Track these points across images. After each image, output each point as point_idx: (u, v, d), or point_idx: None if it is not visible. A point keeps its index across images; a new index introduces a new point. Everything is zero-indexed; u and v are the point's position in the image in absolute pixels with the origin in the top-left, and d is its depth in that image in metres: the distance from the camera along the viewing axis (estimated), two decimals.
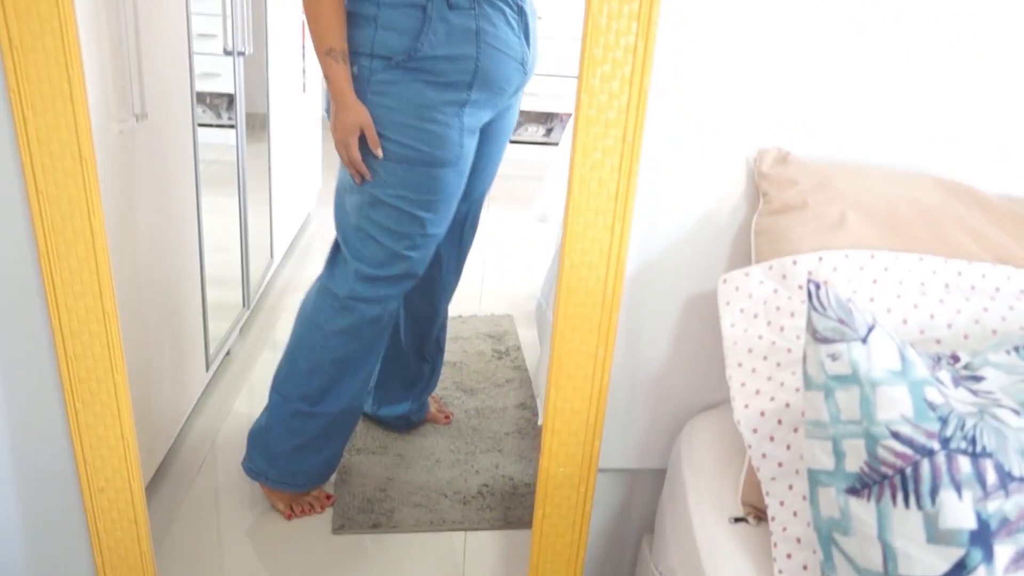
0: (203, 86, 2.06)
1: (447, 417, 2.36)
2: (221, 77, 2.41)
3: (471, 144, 1.66)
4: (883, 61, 1.28)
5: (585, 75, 1.16)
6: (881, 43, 1.26)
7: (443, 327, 2.19)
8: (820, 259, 1.19)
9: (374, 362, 1.88)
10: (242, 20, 2.30)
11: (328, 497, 1.99)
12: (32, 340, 1.32)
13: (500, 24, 1.56)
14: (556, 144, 3.95)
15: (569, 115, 4.40)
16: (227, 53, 2.35)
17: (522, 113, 4.63)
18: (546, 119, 4.65)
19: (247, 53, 2.40)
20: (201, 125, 2.09)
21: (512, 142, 4.60)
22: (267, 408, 1.92)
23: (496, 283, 3.28)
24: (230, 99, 2.56)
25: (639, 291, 1.37)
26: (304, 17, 1.57)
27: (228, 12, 2.27)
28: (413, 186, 1.62)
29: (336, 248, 1.80)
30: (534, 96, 4.43)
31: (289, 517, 1.93)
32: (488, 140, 1.79)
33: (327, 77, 1.54)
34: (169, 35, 1.79)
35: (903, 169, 1.33)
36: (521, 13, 1.61)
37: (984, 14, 1.26)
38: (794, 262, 1.20)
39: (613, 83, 1.17)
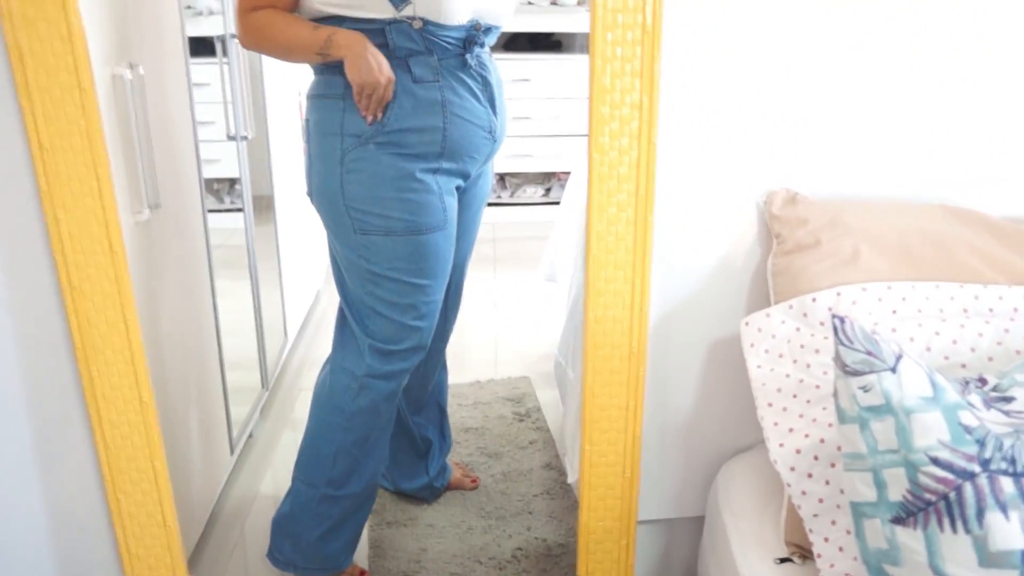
0: (205, 172, 2.10)
1: (473, 481, 2.35)
2: (221, 162, 2.45)
3: (453, 205, 1.67)
4: (882, 98, 1.32)
5: (594, 134, 1.20)
6: (879, 81, 1.31)
7: (441, 390, 2.18)
8: (838, 294, 1.21)
9: (388, 436, 1.88)
10: (243, 105, 2.35)
11: (363, 573, 1.98)
12: (71, 434, 1.34)
13: (465, 95, 1.58)
14: (556, 203, 4.00)
15: (567, 174, 4.46)
16: (230, 138, 2.40)
17: (520, 175, 4.69)
18: (544, 179, 4.71)
19: (249, 138, 2.45)
20: (208, 211, 2.12)
21: (512, 204, 4.66)
22: (290, 495, 1.91)
23: (510, 346, 3.29)
24: (231, 183, 2.60)
25: (662, 340, 1.39)
26: (279, 54, 1.57)
27: (230, 98, 2.32)
28: (406, 256, 1.63)
29: (342, 326, 1.80)
30: (530, 157, 4.49)
31: None
32: (464, 207, 1.80)
33: (330, 35, 1.49)
34: (173, 125, 1.83)
35: (911, 200, 1.36)
36: (486, 83, 1.63)
37: (978, 45, 1.31)
38: (813, 299, 1.22)
39: (622, 139, 1.20)
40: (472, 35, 1.56)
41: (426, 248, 1.64)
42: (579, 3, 4.35)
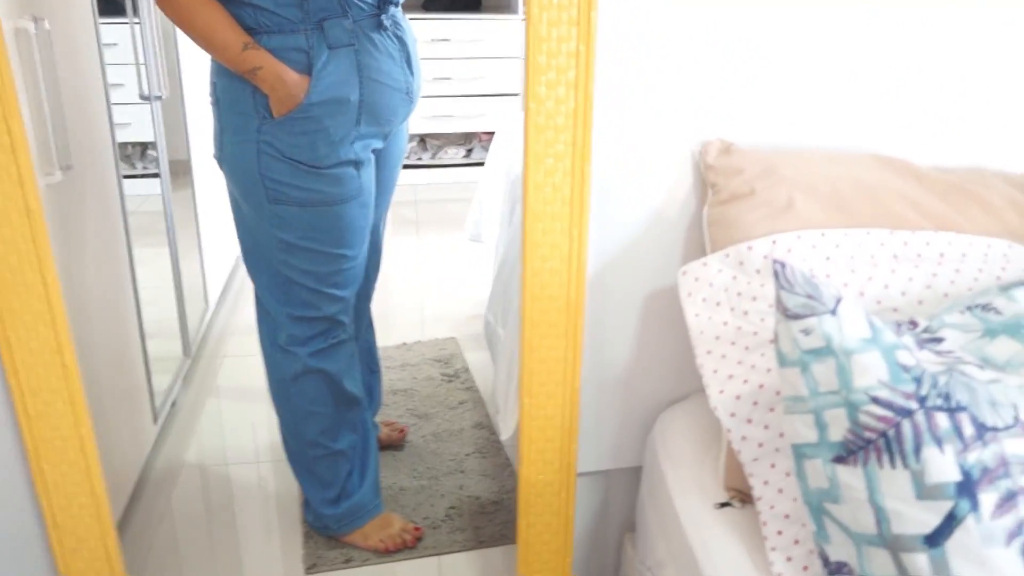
0: (117, 136, 2.02)
1: (401, 432, 2.34)
2: (133, 126, 2.37)
3: (368, 175, 1.64)
4: (815, 49, 1.33)
5: (531, 83, 1.18)
6: (812, 32, 1.32)
7: (369, 350, 2.17)
8: (774, 242, 1.23)
9: (352, 387, 1.86)
10: (156, 64, 2.27)
11: (416, 529, 1.97)
12: None
13: (381, 57, 1.55)
14: (478, 165, 3.98)
15: (488, 134, 4.44)
16: (143, 99, 2.31)
17: (441, 136, 4.64)
18: (465, 140, 4.68)
19: (164, 97, 2.36)
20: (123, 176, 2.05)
21: (434, 166, 4.61)
22: (297, 476, 1.94)
23: (436, 307, 3.27)
24: (143, 148, 2.52)
25: (599, 292, 1.39)
26: (197, 42, 1.51)
27: (142, 60, 2.23)
28: (320, 227, 1.61)
29: (259, 305, 1.78)
30: (452, 118, 4.45)
31: (386, 550, 1.93)
32: (380, 167, 1.77)
33: (256, 68, 1.47)
34: (83, 84, 1.75)
35: (843, 150, 1.38)
36: (402, 43, 1.60)
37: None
38: (749, 248, 1.24)
39: (559, 89, 1.19)
40: None
41: (341, 219, 1.61)
42: None
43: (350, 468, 1.90)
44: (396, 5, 1.59)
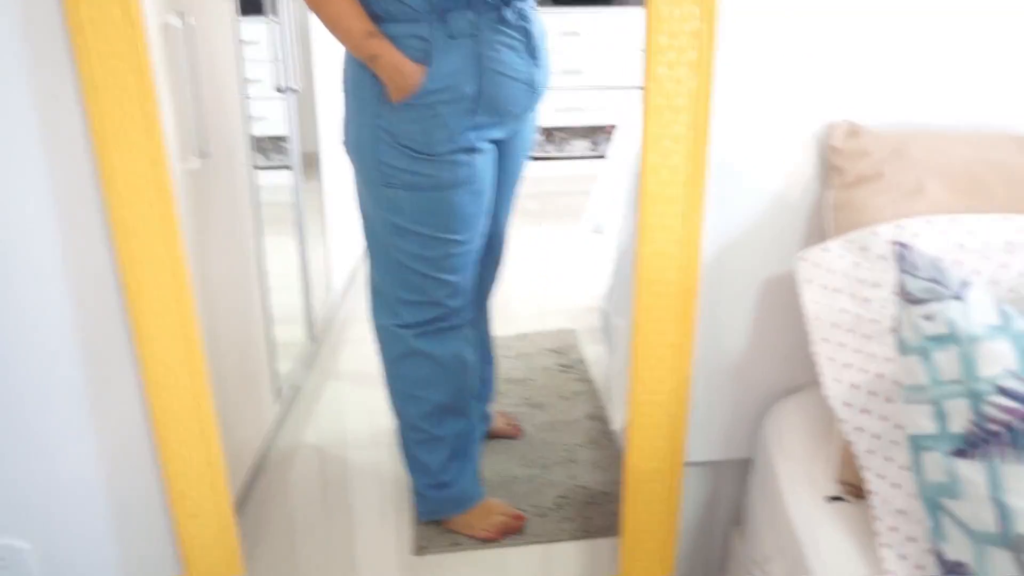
0: (252, 130, 2.11)
1: (515, 428, 2.35)
2: (267, 120, 2.47)
3: (485, 163, 1.65)
4: (945, 23, 1.27)
5: (651, 64, 1.17)
6: (942, 6, 1.26)
7: (483, 341, 2.17)
8: (900, 227, 1.18)
9: (461, 374, 1.88)
10: (292, 58, 2.36)
11: (518, 515, 2.00)
12: (119, 373, 1.35)
13: (503, 49, 1.57)
14: (602, 157, 3.96)
15: (614, 127, 4.41)
16: (279, 91, 2.40)
17: (567, 129, 4.65)
18: (591, 133, 4.67)
19: (298, 90, 2.45)
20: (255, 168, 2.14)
21: (559, 158, 4.62)
22: (402, 452, 1.98)
23: (555, 299, 3.28)
24: (276, 141, 2.62)
25: (715, 278, 1.36)
26: (326, 25, 1.56)
27: (278, 56, 2.33)
28: (429, 211, 1.63)
29: (372, 286, 1.82)
30: (578, 111, 4.45)
31: (489, 538, 1.95)
32: (505, 156, 1.78)
33: (375, 56, 1.52)
34: (222, 79, 1.84)
35: (977, 129, 1.31)
36: (527, 35, 1.61)
37: None
38: (874, 233, 1.19)
39: (679, 70, 1.17)
40: None
41: (450, 205, 1.63)
42: None
43: (450, 455, 1.92)
44: (522, 0, 1.60)
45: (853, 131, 1.27)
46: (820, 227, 1.33)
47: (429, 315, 1.77)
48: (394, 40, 1.52)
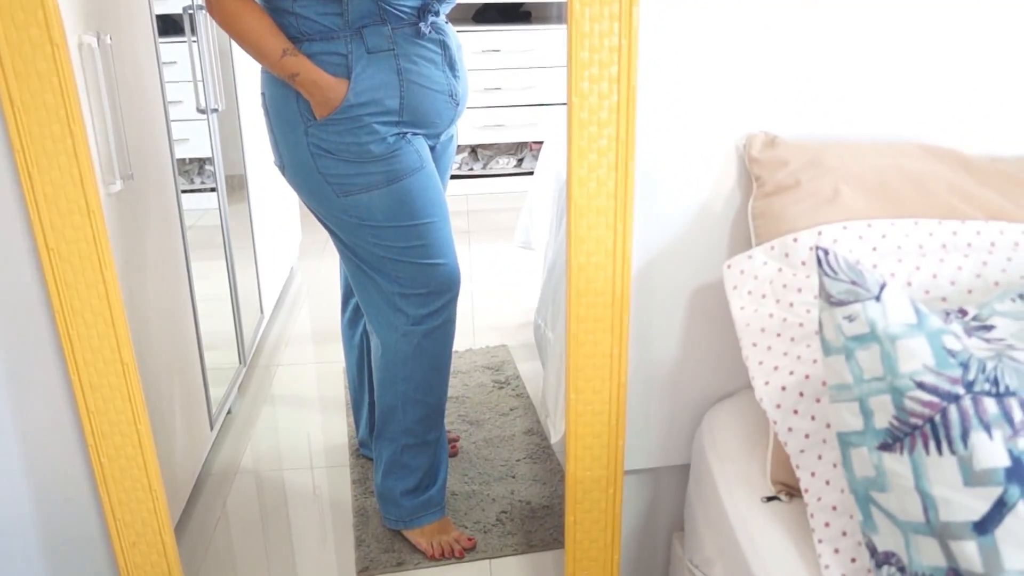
0: (176, 152, 2.08)
1: (454, 445, 2.36)
2: (191, 141, 2.43)
3: (426, 151, 1.69)
4: (857, 37, 1.32)
5: (573, 79, 1.20)
6: (854, 21, 1.31)
7: None
8: (819, 233, 1.22)
9: (447, 376, 1.91)
10: (212, 79, 2.33)
11: (469, 540, 1.99)
12: (52, 399, 1.32)
13: (422, 61, 1.61)
14: (529, 174, 4.00)
15: (539, 144, 4.45)
16: (200, 112, 2.37)
17: (492, 146, 4.67)
18: (516, 150, 4.71)
19: (220, 109, 2.43)
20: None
21: (486, 176, 4.64)
22: (380, 465, 1.97)
23: (487, 316, 3.29)
24: (201, 163, 2.58)
25: (645, 287, 1.39)
26: (242, 47, 1.58)
27: (199, 76, 2.30)
28: (396, 204, 1.65)
29: (364, 291, 1.81)
30: (502, 128, 4.48)
31: (432, 556, 1.94)
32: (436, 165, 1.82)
33: (294, 75, 1.54)
34: (143, 100, 1.81)
35: (888, 139, 1.37)
36: (444, 47, 1.65)
37: None
38: (794, 239, 1.23)
39: (601, 84, 1.20)
40: (427, 4, 1.59)
41: (412, 191, 1.65)
42: None
43: (433, 460, 1.94)
44: (437, 14, 1.63)
45: (770, 141, 1.32)
46: (745, 235, 1.37)
47: (435, 305, 1.77)
48: (313, 58, 1.54)
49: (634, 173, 1.26)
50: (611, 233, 1.26)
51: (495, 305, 3.38)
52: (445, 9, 1.66)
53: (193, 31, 2.26)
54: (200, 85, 2.33)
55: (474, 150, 4.69)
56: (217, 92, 2.37)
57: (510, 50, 4.35)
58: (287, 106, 1.59)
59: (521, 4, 4.54)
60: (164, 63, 1.98)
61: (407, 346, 1.79)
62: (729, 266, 1.28)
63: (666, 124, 1.31)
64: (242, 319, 2.69)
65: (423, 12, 1.59)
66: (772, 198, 1.27)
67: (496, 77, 4.40)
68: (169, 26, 2.17)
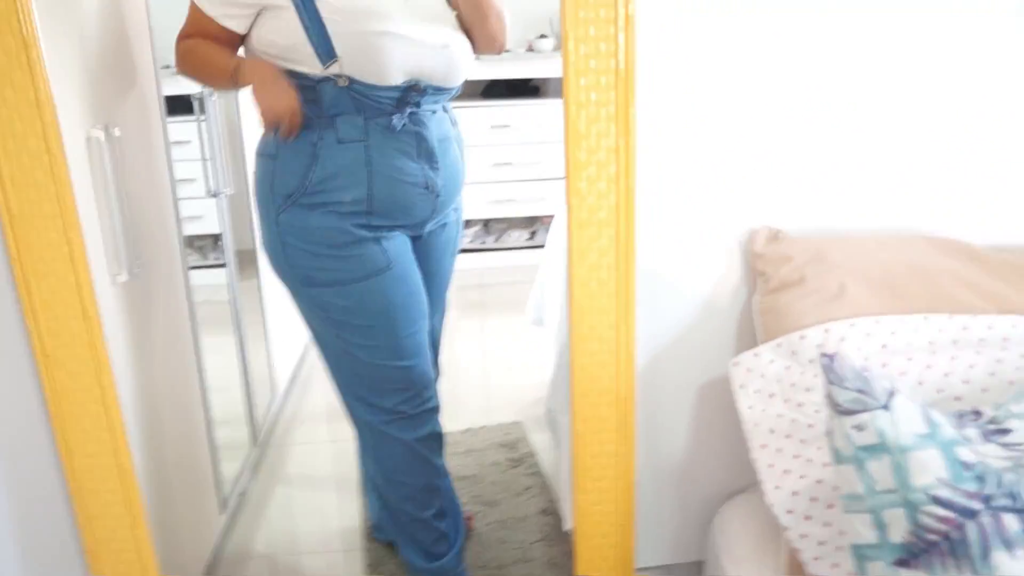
0: (188, 229, 2.09)
1: (469, 519, 2.31)
2: (204, 218, 2.44)
3: (401, 249, 1.64)
4: (859, 132, 1.31)
5: (572, 179, 1.19)
6: (855, 116, 1.30)
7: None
8: (827, 331, 1.20)
9: (439, 455, 1.86)
10: (221, 162, 2.35)
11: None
12: (51, 506, 1.30)
13: (394, 153, 1.57)
14: (542, 247, 4.00)
15: (551, 217, 4.46)
16: (211, 195, 2.38)
17: (504, 220, 4.68)
18: (529, 223, 4.71)
19: (229, 193, 2.44)
20: (191, 268, 2.11)
21: (497, 249, 4.64)
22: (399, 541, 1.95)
23: (501, 392, 3.26)
24: (215, 239, 2.59)
25: (651, 383, 1.37)
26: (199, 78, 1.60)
27: (209, 151, 2.31)
28: (358, 303, 1.61)
29: (337, 385, 1.78)
30: (514, 202, 4.49)
31: None
32: (426, 258, 1.76)
33: (245, 76, 1.52)
34: (154, 184, 1.82)
35: (893, 232, 1.35)
36: (420, 139, 1.59)
37: (951, 78, 1.30)
38: (801, 337, 1.21)
39: (600, 184, 1.19)
40: (407, 96, 1.54)
41: (375, 293, 1.61)
42: (555, 49, 4.36)
43: (438, 535, 1.89)
44: (418, 106, 1.59)
45: (773, 236, 1.30)
46: (751, 331, 1.35)
47: (396, 400, 1.72)
48: (287, 148, 1.54)
49: (635, 271, 1.24)
50: (614, 332, 1.24)
51: (509, 381, 3.34)
52: (438, 100, 1.63)
53: (203, 111, 2.28)
54: (209, 166, 2.35)
55: (486, 224, 4.70)
56: (226, 175, 2.39)
57: (519, 125, 4.37)
58: (263, 189, 1.59)
59: (529, 80, 4.58)
60: (177, 143, 1.99)
61: (370, 434, 1.76)
62: (736, 364, 1.25)
63: (668, 220, 1.30)
64: (254, 397, 2.67)
65: (402, 103, 1.56)
66: (777, 294, 1.25)
67: (506, 152, 4.42)
68: (179, 106, 2.19)
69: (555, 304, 2.79)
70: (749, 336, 1.35)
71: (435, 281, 1.85)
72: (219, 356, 2.39)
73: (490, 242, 4.67)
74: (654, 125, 1.25)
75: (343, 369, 1.72)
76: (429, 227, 1.72)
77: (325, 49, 1.48)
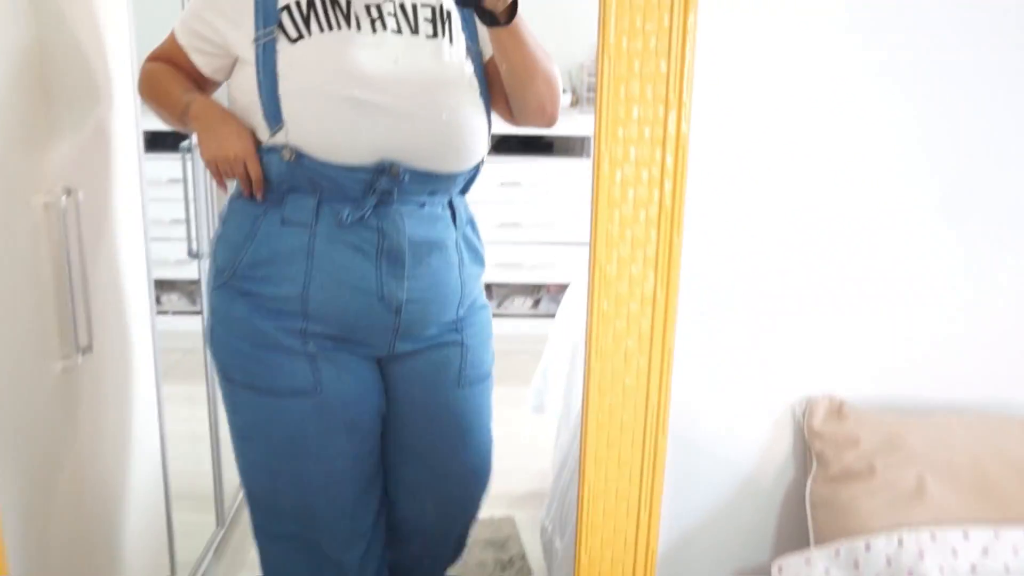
0: (181, 273, 1.92)
1: None
2: (193, 264, 2.31)
3: (335, 376, 1.34)
4: (941, 282, 1.10)
5: (595, 332, 0.96)
6: (939, 263, 1.09)
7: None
8: (900, 542, 0.96)
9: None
10: (208, 217, 2.19)
11: None
12: None
13: (342, 247, 1.27)
14: (546, 316, 3.80)
15: (557, 286, 4.25)
16: (192, 256, 2.22)
17: (507, 286, 4.47)
18: (533, 291, 4.51)
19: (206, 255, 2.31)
20: (175, 313, 1.93)
21: (499, 315, 4.42)
22: None
23: (494, 481, 3.03)
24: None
25: (674, 571, 1.14)
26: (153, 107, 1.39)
27: (191, 216, 2.15)
28: (268, 419, 1.34)
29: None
30: (519, 268, 4.29)
31: None
32: (400, 396, 1.45)
33: (193, 119, 1.29)
34: (125, 248, 1.65)
35: (983, 410, 1.12)
36: (383, 237, 1.29)
37: None
38: (867, 546, 0.97)
39: (628, 341, 0.96)
40: (376, 181, 1.25)
41: (289, 416, 1.33)
42: (572, 105, 4.19)
43: None
44: (389, 195, 1.28)
45: (836, 410, 1.07)
46: (797, 519, 1.12)
47: (289, 528, 1.43)
48: (234, 213, 1.32)
49: (666, 447, 1.00)
50: (632, 523, 1.00)
51: (504, 468, 3.10)
52: (422, 189, 1.31)
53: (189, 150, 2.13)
54: (189, 227, 2.18)
55: (488, 288, 4.50)
56: (210, 228, 2.24)
57: (530, 183, 4.19)
58: (211, 253, 1.36)
59: (542, 136, 4.39)
60: (155, 182, 1.84)
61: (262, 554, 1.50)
62: (780, 569, 1.01)
63: (706, 381, 1.08)
64: (223, 476, 2.47)
65: (369, 190, 1.26)
66: (838, 485, 1.02)
67: (514, 212, 4.23)
68: (159, 141, 2.02)
69: (559, 391, 2.59)
70: (794, 525, 1.13)
71: (419, 432, 1.53)
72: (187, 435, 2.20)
73: (492, 306, 4.47)
74: (694, 264, 1.03)
75: (243, 476, 1.43)
76: (401, 349, 1.38)
77: (272, 112, 1.23)
